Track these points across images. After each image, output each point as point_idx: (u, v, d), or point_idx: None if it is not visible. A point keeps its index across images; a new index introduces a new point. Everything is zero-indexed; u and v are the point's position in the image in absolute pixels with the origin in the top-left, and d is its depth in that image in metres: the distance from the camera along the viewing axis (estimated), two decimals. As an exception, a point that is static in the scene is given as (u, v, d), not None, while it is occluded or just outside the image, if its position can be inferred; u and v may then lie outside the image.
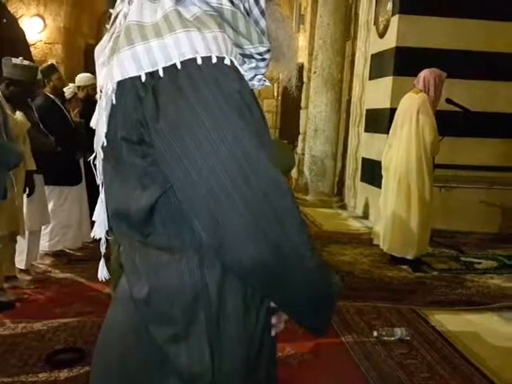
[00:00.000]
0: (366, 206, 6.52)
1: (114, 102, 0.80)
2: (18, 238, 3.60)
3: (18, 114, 3.44)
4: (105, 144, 0.84)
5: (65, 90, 4.56)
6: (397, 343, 2.99)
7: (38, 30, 9.76)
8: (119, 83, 0.78)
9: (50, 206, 4.14)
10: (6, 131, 3.04)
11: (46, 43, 9.86)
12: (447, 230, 5.37)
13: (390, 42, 5.77)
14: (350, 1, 7.51)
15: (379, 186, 4.73)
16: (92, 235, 0.98)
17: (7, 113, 3.15)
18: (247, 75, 0.86)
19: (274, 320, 0.91)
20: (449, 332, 3.18)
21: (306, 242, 0.80)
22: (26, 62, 3.58)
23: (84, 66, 10.06)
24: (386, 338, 3.02)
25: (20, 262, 3.79)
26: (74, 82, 4.96)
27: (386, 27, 5.87)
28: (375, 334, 3.05)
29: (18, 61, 3.48)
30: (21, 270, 3.81)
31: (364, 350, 2.88)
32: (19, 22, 9.68)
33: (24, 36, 9.24)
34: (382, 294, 3.80)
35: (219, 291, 0.82)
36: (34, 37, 9.79)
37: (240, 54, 0.83)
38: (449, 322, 3.34)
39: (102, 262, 0.99)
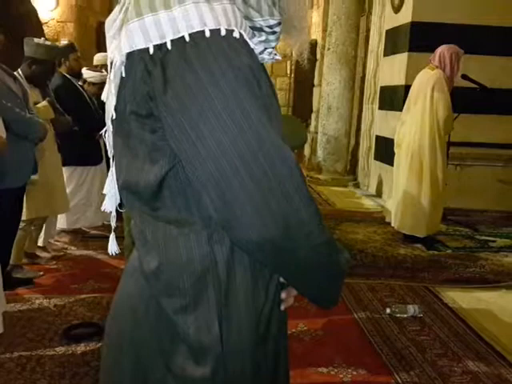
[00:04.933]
0: (380, 185, 6.49)
1: (124, 74, 0.79)
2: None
3: (41, 104, 3.45)
4: (114, 117, 0.84)
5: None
6: (410, 320, 3.00)
7: (50, 7, 9.73)
8: (128, 56, 0.78)
9: (71, 186, 4.17)
10: (27, 106, 3.08)
11: (58, 21, 9.84)
12: (462, 209, 5.33)
13: (405, 17, 5.66)
14: (364, -25, 7.36)
15: (393, 164, 4.69)
16: (103, 208, 0.99)
17: (27, 90, 3.17)
18: (257, 49, 0.85)
19: (283, 295, 0.91)
20: (462, 309, 3.18)
21: (314, 217, 0.79)
22: (48, 42, 3.60)
23: (96, 44, 10.05)
24: (398, 315, 3.03)
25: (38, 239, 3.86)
26: (85, 60, 4.94)
27: (402, 2, 5.75)
28: (388, 310, 3.06)
29: (40, 41, 3.49)
30: (38, 246, 3.88)
31: (377, 327, 2.90)
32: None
33: (36, 14, 9.23)
34: (395, 271, 3.80)
35: (228, 265, 0.83)
36: (46, 15, 9.77)
37: (250, 26, 0.82)
38: (462, 299, 3.33)
39: (111, 236, 0.99)
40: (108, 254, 0.99)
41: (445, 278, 3.71)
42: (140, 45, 0.76)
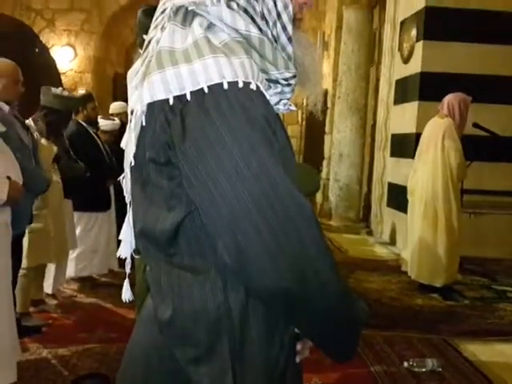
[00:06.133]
0: (393, 232, 6.42)
1: (144, 123, 0.82)
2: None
3: (44, 140, 3.50)
4: (133, 164, 0.86)
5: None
6: (428, 374, 2.88)
7: (69, 59, 10.08)
8: (149, 106, 0.81)
9: (78, 231, 4.19)
10: (35, 157, 3.11)
11: (76, 72, 10.17)
12: (478, 257, 5.24)
13: (414, 67, 5.76)
14: (374, 27, 7.55)
15: (406, 211, 4.65)
16: (118, 254, 0.99)
17: (37, 140, 3.22)
18: (273, 100, 0.88)
19: (298, 346, 0.90)
20: (481, 363, 3.06)
21: (330, 267, 0.79)
22: (65, 93, 3.67)
23: (113, 93, 10.33)
24: (416, 369, 2.92)
25: (47, 286, 3.84)
26: (102, 109, 5.06)
27: (411, 53, 5.87)
28: (406, 364, 2.95)
29: (58, 91, 3.55)
30: (47, 294, 3.85)
31: (394, 382, 2.79)
32: (50, 51, 10.07)
33: (55, 65, 9.56)
34: (411, 323, 3.69)
35: (243, 315, 0.82)
36: (65, 66, 10.13)
37: (266, 79, 0.85)
38: (481, 352, 3.22)
39: (126, 283, 1.00)
40: (117, 302, 0.98)
41: (463, 329, 3.60)
42: (161, 96, 0.78)
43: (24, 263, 3.27)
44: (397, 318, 3.77)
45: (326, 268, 0.78)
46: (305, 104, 7.57)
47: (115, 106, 5.15)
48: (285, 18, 0.87)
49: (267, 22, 0.86)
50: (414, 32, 5.79)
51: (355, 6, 7.28)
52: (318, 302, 0.79)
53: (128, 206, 0.94)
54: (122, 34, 10.69)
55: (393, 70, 6.56)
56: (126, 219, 0.96)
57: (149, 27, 0.91)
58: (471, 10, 5.41)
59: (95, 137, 4.36)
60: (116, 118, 4.93)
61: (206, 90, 0.76)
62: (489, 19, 5.37)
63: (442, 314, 3.89)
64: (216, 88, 0.76)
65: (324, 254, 0.78)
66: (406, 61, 6.02)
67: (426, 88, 5.52)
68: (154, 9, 0.92)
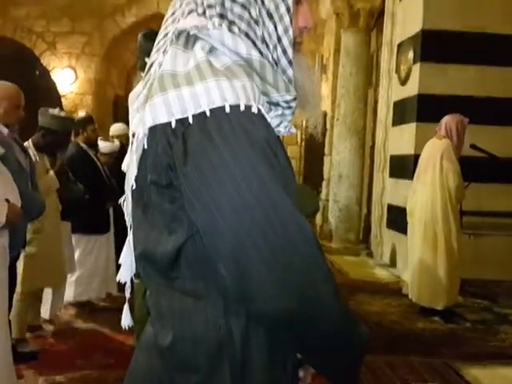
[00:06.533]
0: (394, 254, 6.40)
1: (146, 146, 0.82)
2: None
3: (51, 173, 3.49)
4: (134, 187, 0.86)
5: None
6: (430, 399, 2.84)
7: (70, 81, 10.16)
8: (151, 129, 0.81)
9: (77, 254, 4.15)
10: (32, 181, 3.10)
11: (76, 94, 10.25)
12: (478, 279, 5.20)
13: (412, 89, 5.81)
14: (371, 50, 7.65)
15: (406, 232, 4.64)
16: (118, 278, 0.98)
17: (34, 162, 3.22)
18: (274, 122, 0.88)
19: (300, 373, 0.89)
20: (485, 387, 3.02)
21: (332, 291, 0.78)
22: (63, 114, 3.68)
23: (113, 115, 10.40)
24: (418, 394, 2.88)
25: (45, 311, 3.78)
26: (102, 131, 5.09)
27: (408, 75, 5.93)
28: (407, 388, 2.91)
29: (55, 112, 3.56)
30: (45, 319, 3.79)
31: (395, 406, 2.75)
32: (51, 73, 10.17)
33: (55, 87, 9.64)
34: (413, 346, 3.65)
35: (244, 340, 0.80)
36: (66, 88, 10.21)
37: (267, 101, 0.85)
38: (484, 376, 3.17)
39: (125, 308, 0.99)
40: (115, 328, 0.97)
41: (465, 353, 3.56)
42: (163, 119, 0.79)
43: (19, 288, 3.23)
44: (398, 342, 3.73)
45: (328, 290, 0.78)
46: (304, 125, 7.62)
47: (115, 128, 5.18)
48: (285, 41, 0.88)
49: (268, 46, 0.87)
50: (410, 54, 5.86)
51: (353, 30, 7.39)
52: (320, 325, 0.78)
53: (128, 228, 0.94)
54: (123, 57, 10.80)
55: (391, 91, 6.62)
56: (127, 242, 0.96)
57: (149, 50, 0.92)
58: (467, 33, 5.48)
59: (95, 159, 4.36)
60: (116, 140, 4.95)
61: (208, 113, 0.77)
62: (485, 41, 5.44)
63: (444, 337, 3.85)
64: (218, 111, 0.77)
65: (326, 276, 0.78)
66: (403, 83, 6.08)
67: (424, 109, 5.56)
68: (155, 32, 0.94)
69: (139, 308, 1.90)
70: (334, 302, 0.79)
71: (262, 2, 0.86)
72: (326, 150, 8.75)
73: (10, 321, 2.90)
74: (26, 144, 3.31)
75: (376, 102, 7.38)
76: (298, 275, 0.75)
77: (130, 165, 0.87)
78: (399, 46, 6.25)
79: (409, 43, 5.92)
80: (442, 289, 4.19)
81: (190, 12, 0.87)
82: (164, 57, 0.84)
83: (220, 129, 0.76)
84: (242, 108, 0.77)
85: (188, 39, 0.85)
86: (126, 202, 0.92)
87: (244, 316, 0.80)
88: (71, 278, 4.14)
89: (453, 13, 5.47)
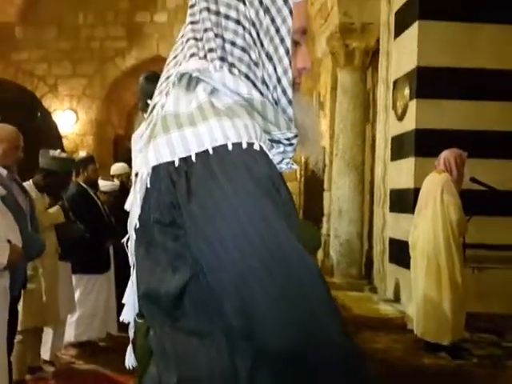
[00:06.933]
0: (397, 289, 6.33)
1: (149, 185, 0.83)
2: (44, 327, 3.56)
3: (54, 208, 3.51)
4: (138, 226, 0.86)
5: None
6: None
7: (71, 122, 10.30)
8: (154, 168, 0.82)
9: (78, 294, 4.12)
10: (31, 221, 3.11)
11: (77, 135, 10.36)
12: (484, 313, 5.13)
13: (409, 124, 5.88)
14: (367, 87, 7.78)
15: (409, 267, 4.61)
16: (121, 318, 0.97)
17: (33, 202, 3.23)
18: (275, 159, 0.90)
19: None
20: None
21: (338, 327, 0.77)
22: (63, 155, 3.74)
23: (113, 155, 10.49)
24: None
25: (45, 352, 3.73)
26: (102, 170, 5.13)
27: (405, 111, 6.01)
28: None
29: (56, 153, 3.62)
30: (45, 360, 3.73)
31: None
32: (52, 115, 10.31)
33: (56, 128, 9.77)
34: (419, 383, 3.57)
35: (250, 379, 0.79)
36: (67, 129, 10.33)
37: (268, 139, 0.87)
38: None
39: (129, 348, 0.97)
40: (116, 369, 0.96)
41: (474, 389, 3.49)
42: (166, 158, 0.80)
43: (19, 327, 3.19)
44: (404, 379, 3.65)
45: (335, 327, 0.77)
46: (303, 161, 7.67)
47: (116, 167, 5.24)
48: (285, 82, 0.89)
49: (268, 87, 0.89)
50: (406, 91, 5.96)
51: (349, 68, 7.53)
52: (328, 363, 0.76)
53: (132, 268, 0.93)
54: (124, 98, 10.98)
55: (388, 127, 6.70)
56: (130, 282, 0.95)
57: (151, 92, 0.94)
58: (462, 69, 5.59)
59: (95, 197, 4.38)
60: (116, 179, 4.99)
61: (211, 151, 0.78)
62: (480, 77, 5.53)
63: (451, 374, 3.78)
64: (220, 149, 0.78)
65: (333, 312, 0.77)
66: (400, 118, 6.16)
67: (422, 144, 5.61)
68: (156, 75, 0.96)
69: (141, 348, 1.87)
70: (342, 339, 0.77)
71: (262, 45, 0.88)
72: (326, 186, 8.79)
73: (10, 362, 2.86)
74: (26, 184, 3.34)
75: (374, 137, 7.46)
76: (303, 312, 0.74)
77: (133, 204, 0.88)
78: (395, 82, 6.37)
79: (404, 80, 6.03)
80: (448, 323, 4.13)
81: (192, 55, 0.89)
82: (167, 98, 0.86)
83: (223, 166, 0.77)
84: (245, 146, 0.79)
85: (190, 81, 0.87)
86: (130, 242, 0.92)
87: (250, 355, 0.79)
88: (72, 319, 4.10)
89: (446, 50, 5.59)
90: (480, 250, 5.20)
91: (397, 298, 6.28)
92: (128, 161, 5.11)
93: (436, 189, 4.26)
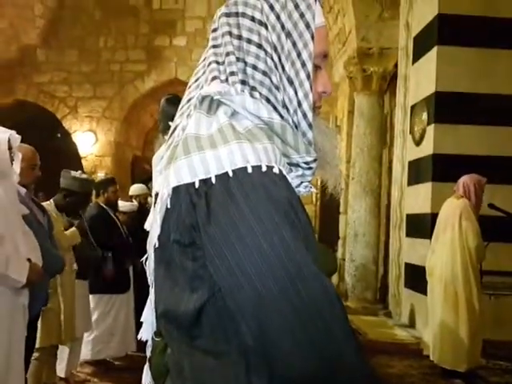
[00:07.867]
0: (412, 314, 6.23)
1: (169, 206, 0.84)
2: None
3: (71, 230, 3.56)
4: (157, 246, 0.87)
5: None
6: None
7: (91, 143, 10.46)
8: (174, 189, 0.83)
9: (97, 313, 4.14)
10: (50, 238, 3.15)
11: (96, 156, 10.51)
12: (500, 341, 5.02)
13: (426, 149, 5.87)
14: (384, 112, 7.80)
15: (424, 292, 4.55)
16: (139, 337, 0.98)
17: (52, 222, 3.27)
18: (294, 182, 0.91)
19: None
20: None
21: (355, 351, 0.77)
22: (84, 176, 3.81)
23: (131, 176, 10.59)
24: None
25: (60, 369, 3.73)
26: (121, 191, 5.19)
27: (422, 136, 6.00)
28: None
29: (77, 174, 3.69)
30: (60, 378, 3.73)
31: None
32: (72, 136, 10.49)
33: (76, 149, 9.92)
34: (436, 411, 3.50)
35: None
36: (87, 150, 10.48)
37: (288, 162, 0.88)
38: None
39: (146, 367, 0.97)
40: (132, 388, 0.96)
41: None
42: (187, 179, 0.81)
43: (37, 344, 3.21)
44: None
45: (352, 351, 0.77)
46: (319, 184, 7.67)
47: (135, 188, 5.31)
48: (305, 106, 0.91)
49: (288, 110, 0.90)
50: (424, 116, 5.96)
51: (366, 92, 7.57)
52: None
53: (150, 287, 0.94)
54: (142, 119, 11.14)
55: (405, 151, 6.69)
56: (148, 301, 0.96)
57: (172, 114, 0.96)
58: (480, 94, 5.58)
59: (115, 218, 4.43)
60: (134, 200, 5.05)
61: (231, 174, 0.79)
62: (497, 102, 5.51)
63: (469, 403, 3.68)
64: (240, 172, 0.79)
65: (348, 336, 0.77)
66: (417, 143, 6.15)
67: (439, 169, 5.58)
68: (176, 97, 0.98)
69: (157, 366, 1.87)
70: (359, 363, 0.77)
71: (283, 69, 0.89)
72: (342, 209, 8.75)
73: (26, 379, 2.86)
74: (46, 203, 3.40)
75: (390, 161, 7.44)
76: (320, 335, 0.74)
77: (153, 224, 0.89)
78: (412, 107, 6.37)
79: (422, 105, 6.04)
80: (465, 350, 4.05)
81: (214, 79, 0.91)
82: (188, 121, 0.88)
83: (242, 188, 0.78)
84: (264, 169, 0.79)
85: (211, 104, 0.88)
86: (149, 261, 0.93)
87: (266, 376, 0.79)
88: (89, 337, 4.11)
89: (464, 75, 5.60)
90: (496, 277, 5.11)
91: (412, 324, 6.18)
92: (145, 182, 5.19)
93: (454, 214, 4.23)
